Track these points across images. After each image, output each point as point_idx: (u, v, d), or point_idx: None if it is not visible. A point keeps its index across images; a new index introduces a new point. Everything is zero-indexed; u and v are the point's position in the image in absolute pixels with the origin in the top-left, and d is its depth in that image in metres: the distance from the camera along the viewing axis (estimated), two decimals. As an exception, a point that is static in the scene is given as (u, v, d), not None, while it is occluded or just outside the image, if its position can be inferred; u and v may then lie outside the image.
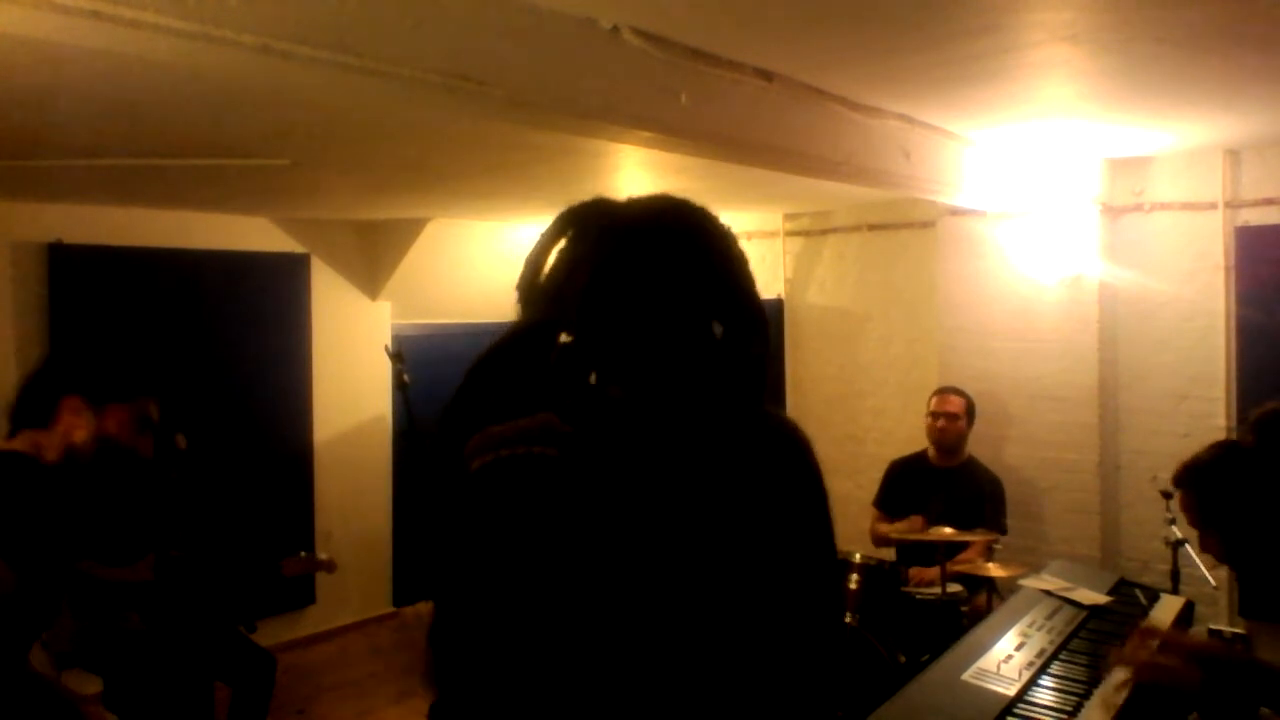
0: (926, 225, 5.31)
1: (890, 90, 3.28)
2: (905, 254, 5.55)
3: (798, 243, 6.02)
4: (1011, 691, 2.22)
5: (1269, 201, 4.37)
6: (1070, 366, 4.70)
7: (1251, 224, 4.42)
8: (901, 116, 3.62)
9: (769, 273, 5.87)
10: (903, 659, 3.62)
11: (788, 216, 6.00)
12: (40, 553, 2.17)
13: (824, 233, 5.89)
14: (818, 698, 1.14)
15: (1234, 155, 4.46)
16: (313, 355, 5.59)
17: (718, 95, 2.82)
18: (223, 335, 5.18)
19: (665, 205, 1.25)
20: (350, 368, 5.77)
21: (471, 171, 4.00)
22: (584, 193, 1.30)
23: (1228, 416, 4.42)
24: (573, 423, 1.10)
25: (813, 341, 5.95)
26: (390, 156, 3.66)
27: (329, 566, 3.89)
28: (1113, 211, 4.69)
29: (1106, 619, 2.83)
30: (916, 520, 4.25)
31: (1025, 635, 2.59)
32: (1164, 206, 4.61)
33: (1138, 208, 4.67)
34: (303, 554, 3.82)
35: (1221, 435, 4.20)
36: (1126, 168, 4.64)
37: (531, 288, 1.21)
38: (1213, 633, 3.35)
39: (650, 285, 1.17)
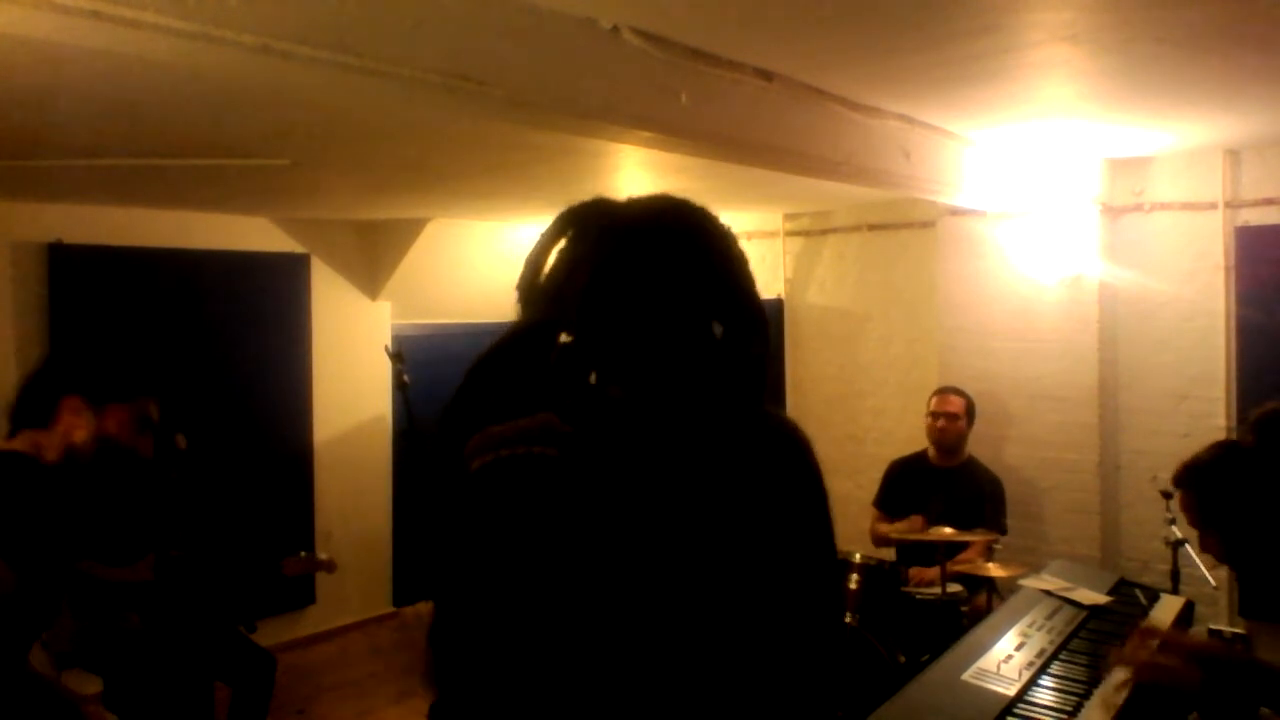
0: (926, 225, 5.31)
1: (890, 90, 3.28)
2: (905, 254, 5.55)
3: (798, 243, 6.02)
4: (1012, 691, 2.22)
5: (1269, 201, 4.37)
6: (1070, 366, 4.70)
7: (1251, 224, 4.42)
8: (901, 116, 3.62)
9: (769, 273, 5.87)
10: (903, 659, 3.62)
11: (788, 216, 6.00)
12: (40, 553, 2.17)
13: (824, 233, 5.89)
14: (818, 698, 1.14)
15: (1234, 155, 4.46)
16: (313, 355, 5.59)
17: (718, 95, 2.82)
18: (223, 335, 5.18)
19: (665, 205, 1.25)
20: (350, 368, 5.77)
21: (471, 171, 4.00)
22: (584, 193, 1.29)
23: (1228, 416, 4.42)
24: (573, 423, 1.10)
25: (813, 341, 5.95)
26: (390, 156, 3.66)
27: (329, 566, 3.89)
28: (1113, 211, 4.69)
29: (1106, 619, 2.83)
30: (916, 520, 4.25)
31: (1025, 635, 2.59)
32: (1164, 206, 4.61)
33: (1138, 208, 4.67)
34: (303, 554, 3.82)
35: (1221, 435, 4.20)
36: (1126, 168, 4.64)
37: (531, 288, 1.20)
38: (1213, 633, 3.35)
39: (650, 285, 1.17)
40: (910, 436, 5.09)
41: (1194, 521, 2.28)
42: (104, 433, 2.29)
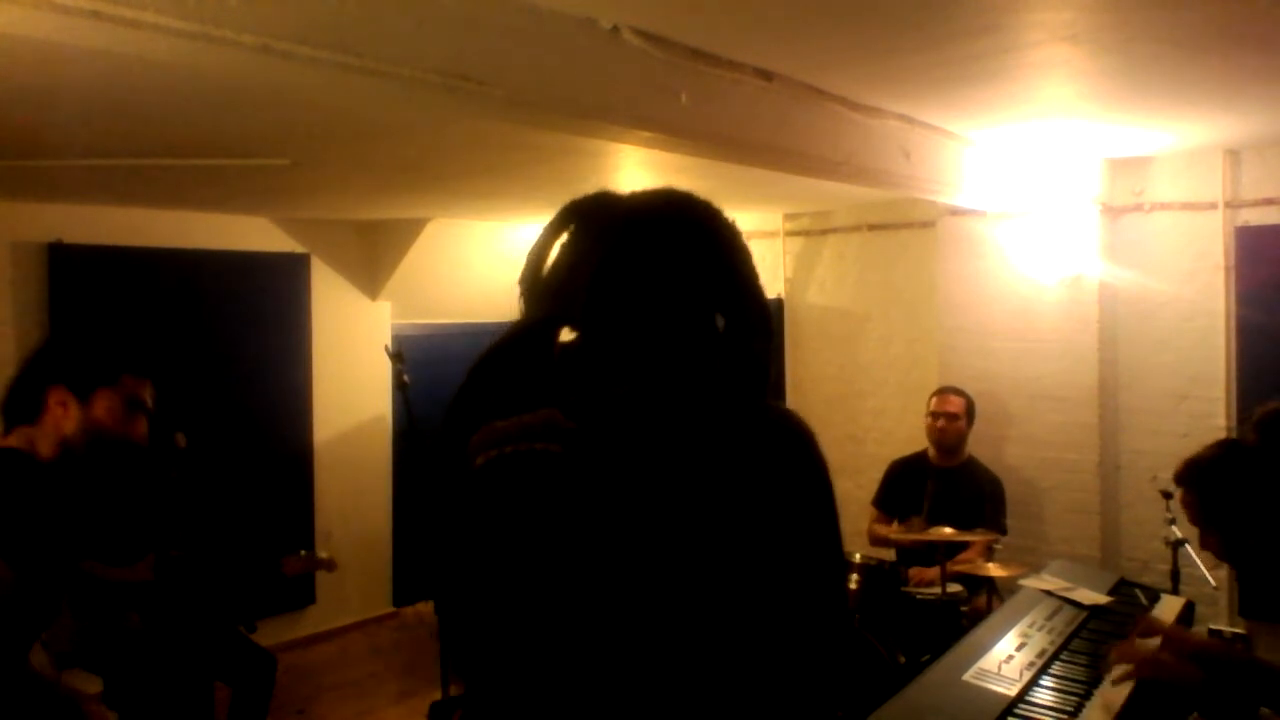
0: (926, 225, 5.31)
1: (890, 90, 3.28)
2: (905, 254, 5.55)
3: (798, 243, 6.02)
4: (1012, 692, 2.22)
5: (1269, 201, 4.37)
6: (1070, 366, 4.70)
7: (1251, 224, 4.42)
8: (901, 116, 3.62)
9: (769, 273, 5.87)
10: (903, 659, 3.62)
11: (788, 216, 6.00)
12: (40, 551, 2.17)
13: (824, 233, 5.90)
14: (821, 695, 1.14)
15: (1234, 155, 4.46)
16: (313, 355, 5.60)
17: (718, 95, 2.82)
18: (223, 335, 5.18)
19: (670, 198, 1.23)
20: (350, 368, 5.77)
21: (471, 171, 4.00)
22: (584, 192, 1.29)
23: (1228, 416, 4.42)
24: (577, 418, 1.09)
25: (813, 341, 5.96)
26: (390, 156, 3.66)
27: (329, 565, 3.89)
28: (1113, 211, 4.69)
29: (1107, 619, 2.82)
30: (915, 523, 4.25)
31: (1026, 635, 2.59)
32: (1164, 206, 4.61)
33: (1138, 208, 4.67)
34: (302, 553, 3.82)
35: (1221, 435, 4.20)
36: (1126, 168, 4.64)
37: (534, 282, 1.19)
38: (1213, 633, 3.36)
39: (657, 279, 1.15)
40: (910, 436, 5.09)
41: (1195, 520, 2.28)
42: (93, 420, 2.27)
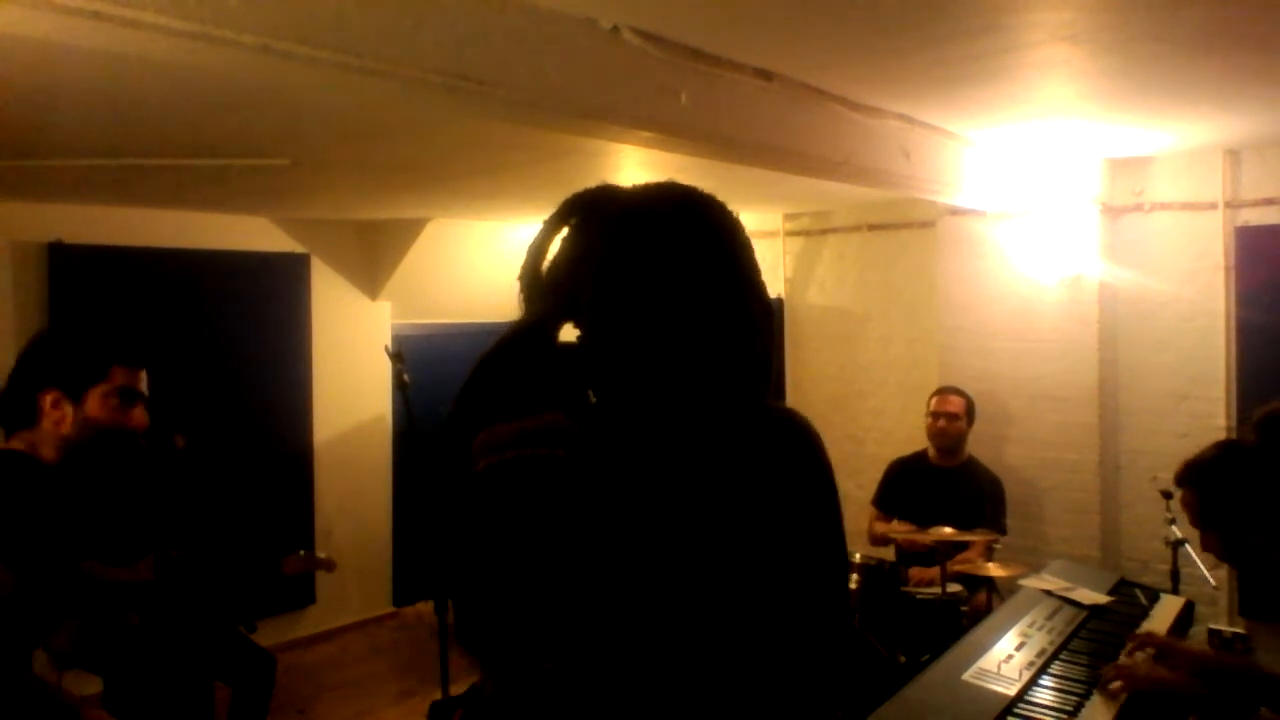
0: (926, 225, 5.31)
1: (890, 90, 3.27)
2: (905, 254, 5.55)
3: (798, 243, 6.02)
4: (1012, 691, 2.22)
5: (1269, 201, 4.37)
6: (1070, 366, 4.70)
7: (1251, 224, 4.42)
8: (901, 116, 3.62)
9: (769, 273, 5.80)
10: (903, 659, 3.62)
11: (788, 216, 6.00)
12: (42, 555, 2.17)
13: (824, 233, 5.90)
14: (822, 695, 1.14)
15: (1234, 155, 4.46)
16: (313, 355, 5.59)
17: (718, 95, 2.82)
18: (223, 335, 5.18)
19: (673, 191, 1.21)
20: (350, 368, 5.77)
21: (471, 171, 4.00)
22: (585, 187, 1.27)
23: (1228, 416, 4.42)
24: (580, 418, 1.09)
25: (813, 341, 5.96)
26: (390, 156, 3.66)
27: (328, 565, 3.89)
28: (1113, 211, 4.69)
29: (1106, 619, 2.83)
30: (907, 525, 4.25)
31: (1025, 635, 2.59)
32: (1164, 206, 4.61)
33: (1138, 208, 4.67)
34: (302, 552, 3.82)
35: (1221, 435, 4.20)
36: (1126, 168, 4.64)
37: (534, 277, 1.17)
38: (1213, 633, 3.36)
39: (663, 273, 1.13)
40: (910, 436, 5.09)
41: (1195, 521, 2.28)
42: (88, 418, 2.27)
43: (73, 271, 4.62)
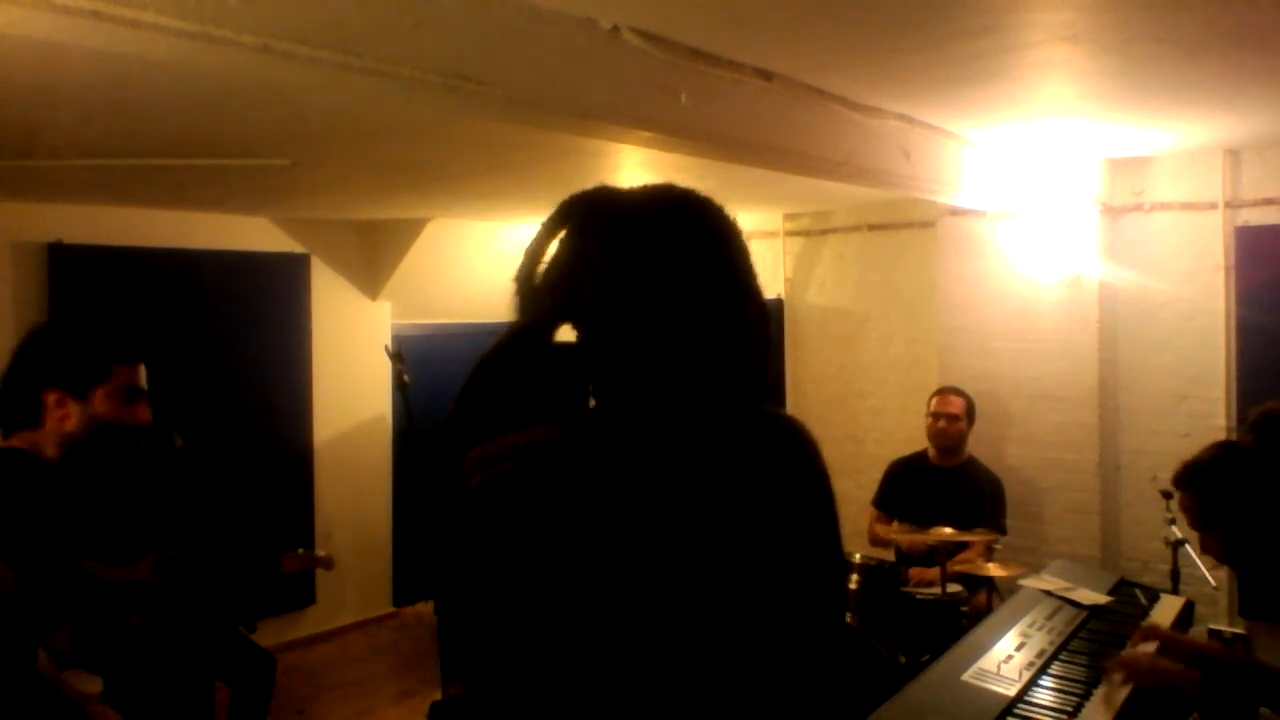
0: (926, 225, 5.31)
1: (890, 90, 3.28)
2: (905, 254, 5.55)
3: (798, 243, 6.02)
4: (1012, 692, 2.22)
5: (1269, 201, 4.37)
6: (1070, 366, 4.70)
7: (1251, 224, 4.42)
8: (901, 116, 3.62)
9: (769, 273, 5.87)
10: (903, 659, 3.62)
11: (788, 216, 6.00)
12: (43, 553, 2.17)
13: (824, 233, 5.90)
14: (819, 698, 1.14)
15: (1234, 155, 4.46)
16: (313, 355, 5.59)
17: (718, 95, 2.82)
18: (223, 335, 5.18)
19: (671, 194, 1.21)
20: (350, 368, 5.77)
21: (471, 171, 4.00)
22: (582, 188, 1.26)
23: (1228, 416, 4.42)
24: (576, 427, 1.09)
25: (813, 341, 5.96)
26: (390, 156, 3.66)
27: (328, 564, 3.89)
28: (1113, 211, 4.69)
29: (1106, 619, 2.82)
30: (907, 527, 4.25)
31: (1025, 635, 2.59)
32: (1164, 206, 4.61)
33: (1138, 208, 4.67)
34: (301, 550, 3.82)
35: (1221, 435, 4.20)
36: (1126, 168, 4.64)
37: (530, 279, 1.17)
38: (1213, 633, 3.36)
39: (663, 276, 1.12)
40: (910, 436, 5.09)
41: (1194, 523, 2.28)
42: (94, 416, 2.27)
43: (73, 271, 4.62)
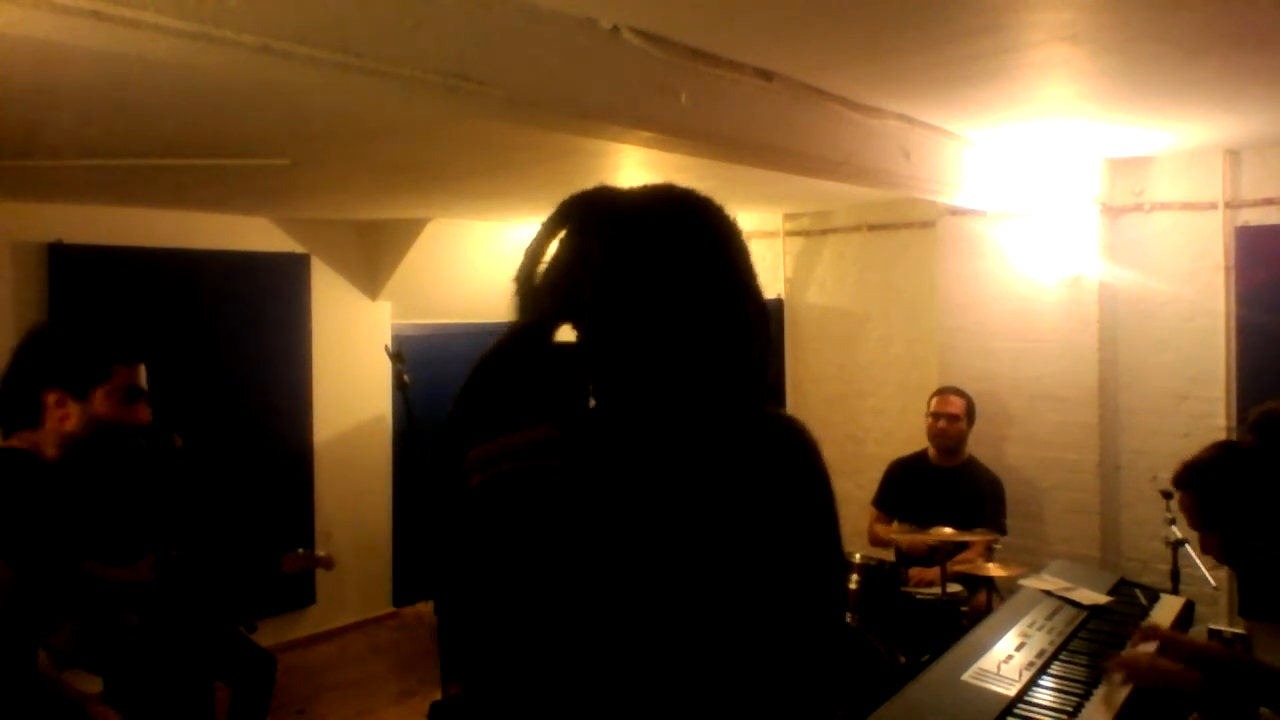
0: (926, 225, 5.31)
1: (890, 90, 3.28)
2: (905, 254, 5.55)
3: (798, 243, 6.02)
4: (1012, 692, 2.22)
5: (1269, 201, 4.37)
6: (1070, 366, 4.70)
7: (1251, 224, 4.42)
8: (901, 116, 3.62)
9: (769, 273, 5.87)
10: (903, 659, 3.62)
11: (788, 216, 6.00)
12: (42, 552, 2.17)
13: (824, 233, 5.90)
14: (819, 698, 1.14)
15: (1234, 155, 4.46)
16: (313, 355, 5.59)
17: (718, 95, 2.82)
18: (223, 335, 5.18)
19: (671, 194, 1.21)
20: (350, 368, 5.77)
21: (471, 171, 4.00)
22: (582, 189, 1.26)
23: (1228, 416, 4.42)
24: (576, 427, 1.09)
25: (813, 341, 5.96)
26: (390, 156, 3.66)
27: (327, 563, 3.89)
28: (1113, 211, 4.69)
29: (1106, 619, 2.82)
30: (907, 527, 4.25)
31: (1025, 635, 2.59)
32: (1164, 206, 4.61)
33: (1138, 208, 4.67)
34: (301, 550, 3.83)
35: (1221, 435, 4.20)
36: (1126, 168, 4.64)
37: (529, 279, 1.17)
38: (1213, 633, 3.36)
39: (664, 276, 1.13)
40: (910, 436, 5.09)
41: (1194, 523, 2.27)
42: (94, 416, 2.27)
43: (73, 271, 4.62)
